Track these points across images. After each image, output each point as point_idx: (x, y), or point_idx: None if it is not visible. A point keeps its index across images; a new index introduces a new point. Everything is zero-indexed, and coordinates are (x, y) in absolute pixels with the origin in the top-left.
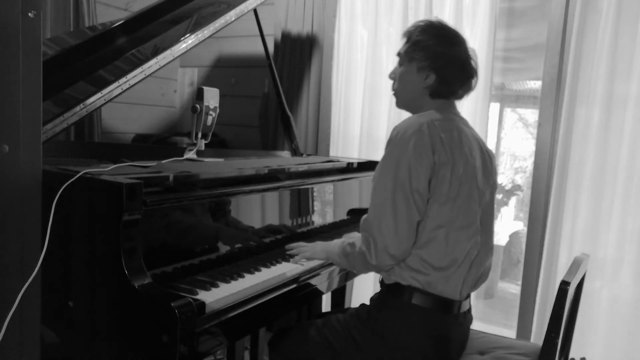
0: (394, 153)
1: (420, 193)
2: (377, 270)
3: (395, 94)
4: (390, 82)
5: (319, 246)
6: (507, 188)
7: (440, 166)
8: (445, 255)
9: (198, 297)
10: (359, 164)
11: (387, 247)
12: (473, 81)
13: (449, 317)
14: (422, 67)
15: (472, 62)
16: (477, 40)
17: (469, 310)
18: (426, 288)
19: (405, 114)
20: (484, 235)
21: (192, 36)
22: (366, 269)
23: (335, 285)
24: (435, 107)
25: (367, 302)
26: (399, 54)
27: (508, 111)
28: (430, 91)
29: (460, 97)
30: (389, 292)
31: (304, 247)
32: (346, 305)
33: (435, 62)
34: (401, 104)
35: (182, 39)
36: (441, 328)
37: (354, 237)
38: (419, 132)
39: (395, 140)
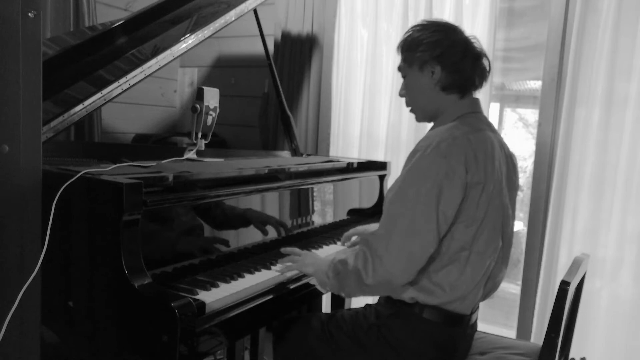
0: (422, 165)
1: (446, 217)
2: (371, 293)
3: (411, 109)
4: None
5: (309, 259)
6: None
7: (472, 187)
8: (466, 278)
9: (198, 297)
10: (359, 164)
11: (389, 269)
12: (484, 62)
13: (459, 330)
14: (423, 64)
15: (475, 43)
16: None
17: (476, 319)
18: (439, 306)
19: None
20: (503, 246)
21: (192, 36)
22: (359, 291)
23: None
24: (460, 109)
25: (372, 302)
26: (399, 69)
27: (508, 111)
28: (443, 85)
29: (479, 85)
30: (398, 302)
31: (296, 257)
32: (346, 306)
33: (435, 51)
34: (420, 115)
35: (182, 39)
36: (450, 341)
37: (345, 252)
38: (452, 146)
39: (425, 153)
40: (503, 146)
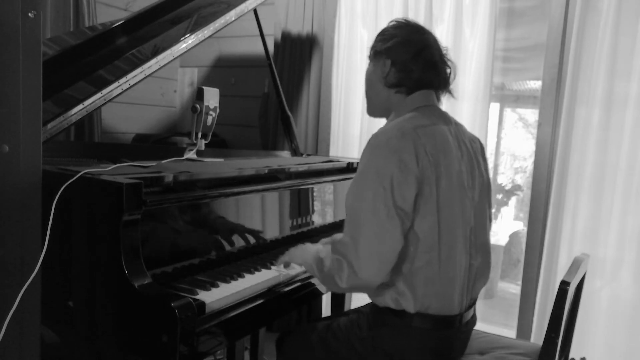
0: (374, 164)
1: (405, 212)
2: (350, 292)
3: (366, 101)
4: None
5: (298, 250)
6: (507, 188)
7: (424, 181)
8: (442, 277)
9: (198, 297)
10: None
11: (363, 276)
12: (445, 70)
13: (451, 331)
14: (377, 54)
15: (439, 52)
16: (477, 40)
17: (472, 316)
18: (424, 311)
19: None
20: (477, 235)
21: (192, 36)
22: (339, 290)
23: None
24: (409, 105)
25: (365, 305)
26: (368, 57)
27: (508, 111)
28: (389, 82)
29: (436, 87)
30: (387, 311)
31: (289, 251)
32: (346, 306)
33: (387, 43)
34: (370, 107)
35: (182, 39)
36: (444, 343)
37: (326, 251)
38: (401, 140)
39: (375, 149)
40: (459, 137)
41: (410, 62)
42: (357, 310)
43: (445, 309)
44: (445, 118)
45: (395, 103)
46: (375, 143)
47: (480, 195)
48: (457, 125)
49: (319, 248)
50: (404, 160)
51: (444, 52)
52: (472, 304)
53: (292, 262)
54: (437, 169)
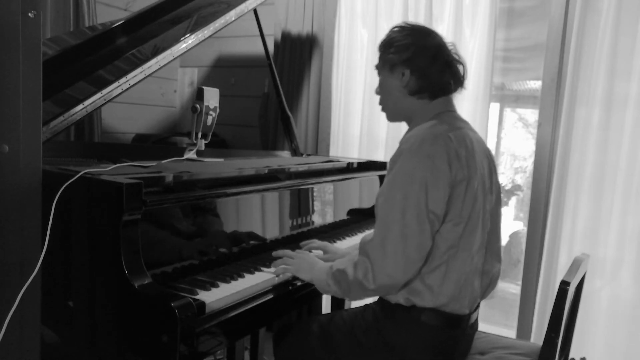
0: (407, 167)
1: (436, 215)
2: (375, 295)
3: (382, 108)
4: None
5: (304, 264)
6: (507, 188)
7: (456, 184)
8: (457, 276)
9: (198, 297)
10: (359, 164)
11: (390, 274)
12: (458, 68)
13: (458, 331)
14: (393, 66)
15: (450, 50)
16: (477, 40)
17: (476, 319)
18: (435, 308)
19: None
20: (491, 241)
21: (192, 36)
22: (364, 296)
23: None
24: (433, 109)
25: (371, 301)
26: (376, 67)
27: (508, 111)
28: (411, 90)
29: (452, 90)
30: (396, 306)
31: (289, 259)
32: (346, 306)
33: (404, 55)
34: (390, 115)
35: (182, 39)
36: (449, 343)
37: (343, 262)
38: (434, 145)
39: (408, 153)
40: (481, 144)
41: (429, 68)
42: (364, 305)
43: (456, 307)
44: (468, 124)
45: (414, 108)
46: (407, 147)
47: (495, 200)
48: (478, 135)
49: (330, 264)
50: (436, 165)
51: (451, 47)
52: (478, 306)
53: (297, 275)
54: (468, 172)
